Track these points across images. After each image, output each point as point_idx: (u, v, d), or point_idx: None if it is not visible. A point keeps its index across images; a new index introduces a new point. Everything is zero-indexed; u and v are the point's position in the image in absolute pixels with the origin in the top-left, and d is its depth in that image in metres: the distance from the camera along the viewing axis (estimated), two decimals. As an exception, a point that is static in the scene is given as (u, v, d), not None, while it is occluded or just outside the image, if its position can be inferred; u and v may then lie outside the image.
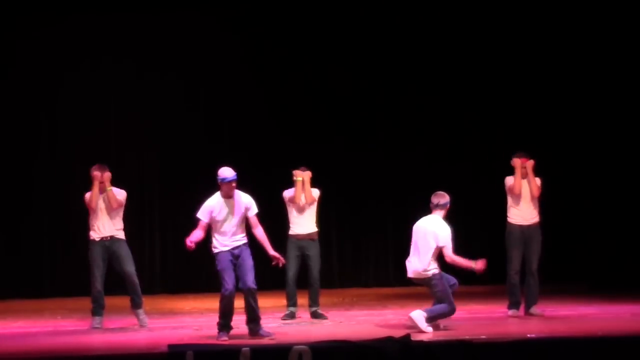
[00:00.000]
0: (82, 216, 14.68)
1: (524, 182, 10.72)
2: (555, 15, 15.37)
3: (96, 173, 10.35)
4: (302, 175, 10.93)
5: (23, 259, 14.85)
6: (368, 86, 15.83)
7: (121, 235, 10.38)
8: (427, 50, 15.77)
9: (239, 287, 9.26)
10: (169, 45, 15.24)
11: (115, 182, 10.51)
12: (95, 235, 10.32)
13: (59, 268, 14.99)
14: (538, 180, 10.78)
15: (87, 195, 10.43)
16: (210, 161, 15.50)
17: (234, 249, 9.32)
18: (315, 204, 11.04)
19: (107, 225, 10.32)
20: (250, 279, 9.17)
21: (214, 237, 9.44)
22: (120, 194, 10.45)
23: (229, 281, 9.16)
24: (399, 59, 15.80)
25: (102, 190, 10.36)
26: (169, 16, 15.14)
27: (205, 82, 15.48)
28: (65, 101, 15.06)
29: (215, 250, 9.43)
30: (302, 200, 10.91)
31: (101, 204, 10.34)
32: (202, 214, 9.43)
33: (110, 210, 10.34)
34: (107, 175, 10.38)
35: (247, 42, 15.44)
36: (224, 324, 9.22)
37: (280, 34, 15.57)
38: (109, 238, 10.29)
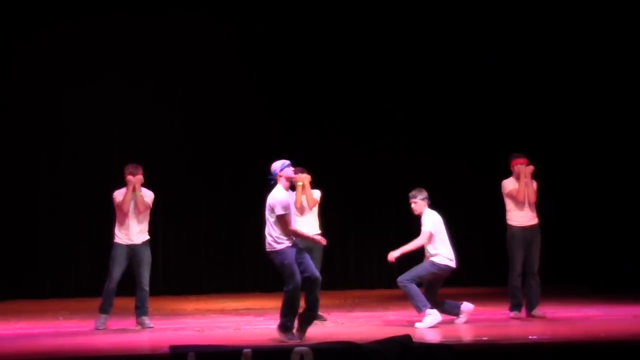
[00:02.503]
0: (85, 217, 14.84)
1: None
2: (555, 14, 15.39)
3: (130, 177, 10.30)
4: (303, 180, 10.91)
5: (25, 259, 14.88)
6: (372, 89, 15.85)
7: (147, 237, 10.36)
8: (431, 56, 15.80)
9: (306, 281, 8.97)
10: (170, 45, 15.28)
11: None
12: (120, 240, 10.26)
13: (61, 269, 15.02)
14: (534, 185, 10.78)
15: (116, 194, 10.34)
16: (212, 163, 15.64)
17: (296, 242, 9.06)
18: (317, 205, 11.02)
19: (135, 229, 10.26)
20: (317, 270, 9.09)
21: (277, 231, 8.94)
22: (149, 196, 10.41)
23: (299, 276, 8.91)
24: (403, 61, 15.82)
25: (132, 192, 10.32)
26: (168, 18, 15.19)
27: (208, 85, 15.51)
28: (68, 102, 15.11)
29: (280, 246, 8.93)
30: (304, 203, 10.89)
31: (130, 208, 10.28)
32: (288, 208, 8.97)
33: (138, 214, 10.30)
34: (139, 178, 10.34)
35: (246, 44, 15.49)
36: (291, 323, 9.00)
37: (280, 35, 15.61)
38: (134, 244, 10.26)
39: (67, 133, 15.16)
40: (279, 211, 8.88)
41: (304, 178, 10.94)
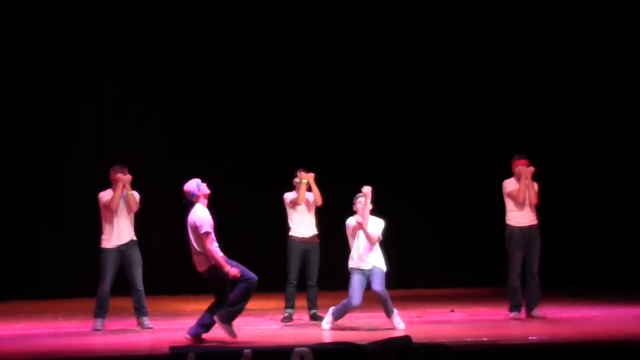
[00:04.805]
0: (86, 218, 14.83)
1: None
2: (555, 17, 15.41)
3: (120, 175, 10.26)
4: (307, 177, 10.90)
5: (25, 260, 14.88)
6: (369, 91, 15.86)
7: (135, 237, 10.33)
8: (430, 59, 15.82)
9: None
10: (170, 47, 15.31)
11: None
12: (110, 243, 10.19)
13: (61, 269, 15.02)
14: (535, 186, 10.77)
15: (103, 194, 10.29)
16: (210, 161, 15.63)
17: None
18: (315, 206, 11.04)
19: (126, 228, 10.24)
20: None
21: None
22: (137, 196, 10.39)
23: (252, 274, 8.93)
24: (403, 63, 15.84)
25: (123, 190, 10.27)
26: (162, 20, 15.23)
27: (206, 86, 15.53)
28: (69, 104, 15.18)
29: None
30: (310, 200, 10.90)
31: (121, 207, 10.24)
32: (211, 227, 8.85)
33: (129, 212, 10.28)
34: (129, 177, 10.32)
35: (242, 45, 15.51)
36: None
37: (277, 36, 15.64)
38: (124, 244, 10.22)
39: (68, 135, 15.18)
40: (205, 229, 8.71)
41: (309, 176, 10.91)
